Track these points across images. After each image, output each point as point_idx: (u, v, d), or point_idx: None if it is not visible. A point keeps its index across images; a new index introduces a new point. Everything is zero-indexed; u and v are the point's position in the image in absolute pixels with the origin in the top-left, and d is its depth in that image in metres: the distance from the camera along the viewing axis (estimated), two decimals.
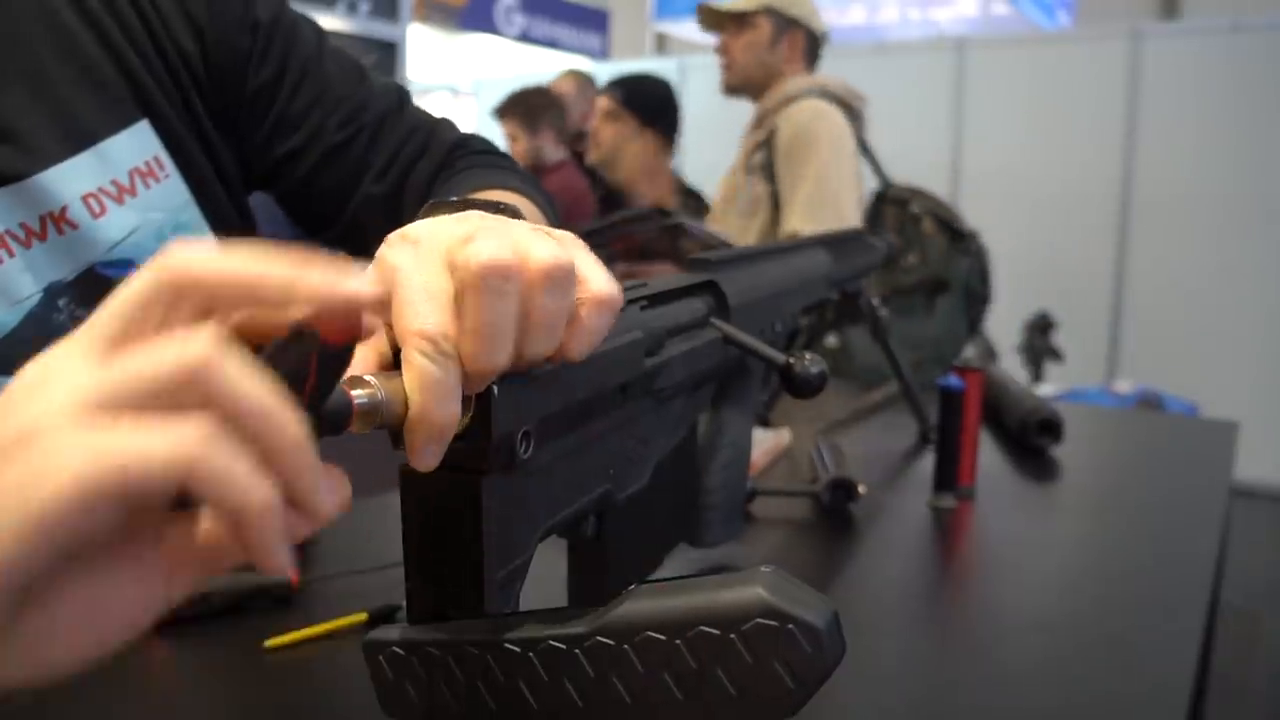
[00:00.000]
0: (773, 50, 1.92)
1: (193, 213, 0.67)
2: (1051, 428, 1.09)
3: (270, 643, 0.59)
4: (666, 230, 1.35)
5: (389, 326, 0.32)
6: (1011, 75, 4.24)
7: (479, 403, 0.33)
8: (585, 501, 0.43)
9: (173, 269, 0.27)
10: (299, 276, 0.27)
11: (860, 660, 0.57)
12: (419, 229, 0.35)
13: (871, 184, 1.99)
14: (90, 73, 0.62)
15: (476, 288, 0.31)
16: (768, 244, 0.80)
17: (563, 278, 0.33)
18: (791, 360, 0.51)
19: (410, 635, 0.37)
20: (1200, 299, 3.89)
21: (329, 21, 3.71)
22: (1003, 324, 3.15)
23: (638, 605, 0.34)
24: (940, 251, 1.75)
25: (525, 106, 2.86)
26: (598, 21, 6.82)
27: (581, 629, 0.34)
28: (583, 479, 0.42)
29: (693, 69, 4.69)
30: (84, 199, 0.61)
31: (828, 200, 1.73)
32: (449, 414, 0.31)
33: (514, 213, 0.40)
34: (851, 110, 1.89)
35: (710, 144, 3.81)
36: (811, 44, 1.96)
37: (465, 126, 0.78)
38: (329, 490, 0.28)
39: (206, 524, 0.27)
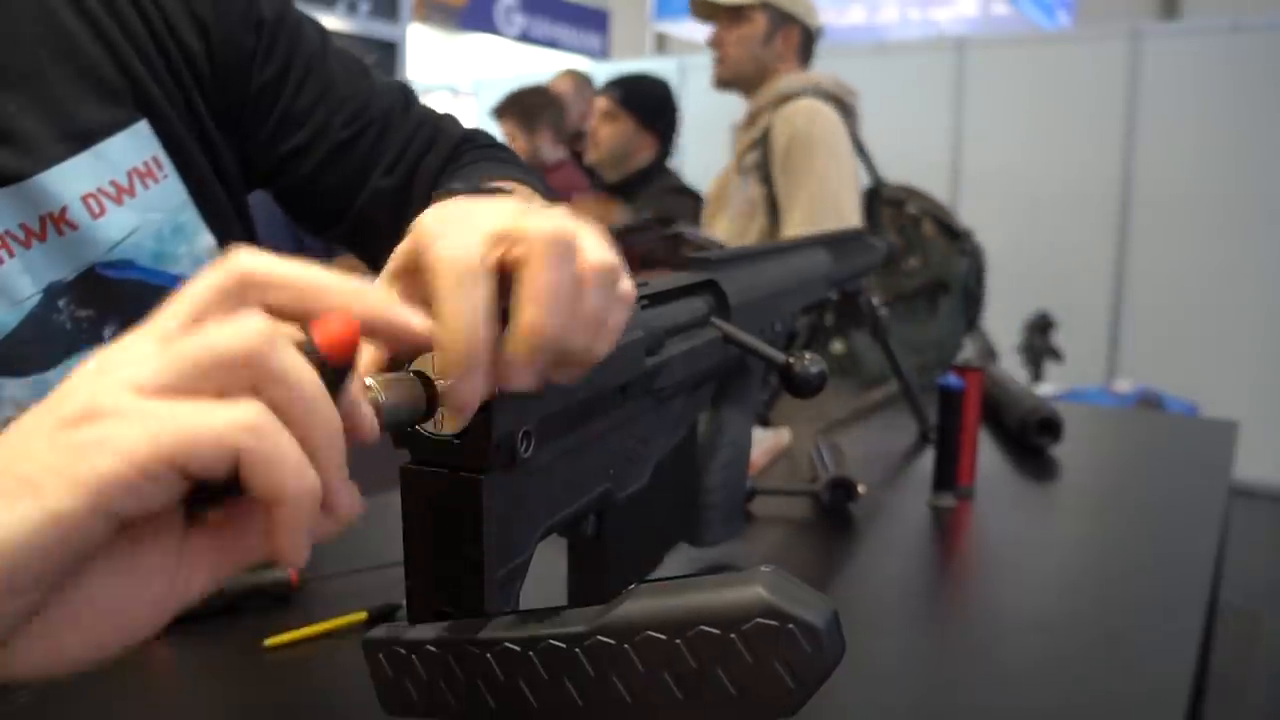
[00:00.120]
0: (767, 45, 1.89)
1: (190, 213, 0.67)
2: (1051, 427, 1.09)
3: (270, 642, 0.59)
4: (666, 239, 1.35)
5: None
6: (1011, 75, 4.23)
7: None
8: (585, 501, 0.43)
9: (240, 268, 0.28)
10: (359, 294, 0.29)
11: (860, 660, 0.57)
12: (458, 206, 0.35)
13: (864, 181, 1.98)
14: (89, 73, 0.62)
15: (540, 254, 0.32)
16: (767, 244, 0.80)
17: (613, 276, 0.34)
18: (791, 360, 0.51)
19: (410, 634, 0.37)
20: (1200, 299, 3.89)
21: (329, 21, 3.70)
22: (1002, 324, 3.15)
23: (638, 605, 0.33)
24: (941, 253, 1.74)
25: (522, 106, 2.85)
26: (598, 21, 6.83)
27: (582, 628, 0.34)
28: (583, 478, 0.42)
29: (692, 69, 4.68)
30: (84, 199, 0.61)
31: (828, 203, 1.72)
32: (486, 336, 0.31)
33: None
34: (845, 106, 1.87)
35: (709, 144, 3.82)
36: (806, 41, 1.93)
37: (468, 123, 0.78)
38: (351, 492, 0.29)
39: (231, 521, 0.28)
